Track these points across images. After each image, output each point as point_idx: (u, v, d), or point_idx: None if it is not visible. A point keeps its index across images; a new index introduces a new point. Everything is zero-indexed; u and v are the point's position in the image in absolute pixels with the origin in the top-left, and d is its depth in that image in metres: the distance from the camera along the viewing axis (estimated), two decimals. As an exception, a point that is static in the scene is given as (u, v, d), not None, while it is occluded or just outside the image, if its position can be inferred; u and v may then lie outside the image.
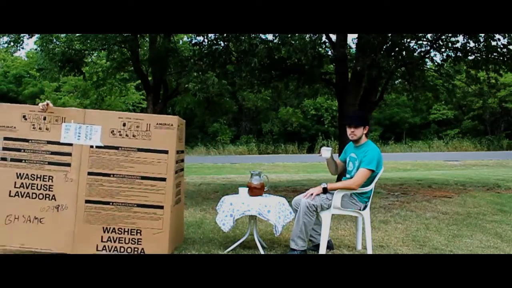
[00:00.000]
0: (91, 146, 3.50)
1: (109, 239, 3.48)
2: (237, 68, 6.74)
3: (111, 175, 3.48)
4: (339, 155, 4.24)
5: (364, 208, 3.78)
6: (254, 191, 3.80)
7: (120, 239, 3.49)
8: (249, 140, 25.23)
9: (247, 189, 3.83)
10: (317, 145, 23.91)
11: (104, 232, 3.49)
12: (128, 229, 3.48)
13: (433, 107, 24.40)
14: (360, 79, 7.10)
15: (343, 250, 4.04)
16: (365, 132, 3.82)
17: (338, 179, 6.78)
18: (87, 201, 3.49)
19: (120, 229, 3.48)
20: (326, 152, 3.90)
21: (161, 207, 3.49)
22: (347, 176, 3.88)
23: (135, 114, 3.63)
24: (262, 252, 3.80)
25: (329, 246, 3.89)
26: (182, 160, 3.96)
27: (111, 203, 3.48)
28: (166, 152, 3.50)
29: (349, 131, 3.83)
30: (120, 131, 3.51)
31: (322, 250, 3.70)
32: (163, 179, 3.49)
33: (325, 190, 3.69)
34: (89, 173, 3.49)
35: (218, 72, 6.29)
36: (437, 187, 8.30)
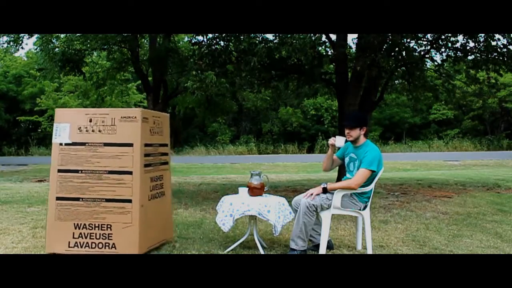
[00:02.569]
0: (60, 144, 3.55)
1: (80, 235, 3.51)
2: (237, 68, 6.74)
3: (80, 171, 3.52)
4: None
5: (364, 208, 3.78)
6: (254, 191, 3.80)
7: (91, 234, 3.51)
8: (249, 140, 25.23)
9: (247, 189, 3.83)
10: (317, 145, 23.93)
11: (76, 228, 3.51)
12: (99, 225, 3.50)
13: (433, 107, 24.43)
14: (360, 79, 7.10)
15: (343, 250, 4.04)
16: (362, 132, 3.81)
17: (338, 179, 6.79)
18: (58, 198, 3.52)
19: (90, 225, 3.50)
20: (340, 140, 3.81)
21: (129, 201, 3.48)
22: (348, 176, 3.87)
23: (100, 110, 3.65)
24: (262, 252, 3.80)
25: (329, 246, 3.89)
26: (165, 154, 3.96)
27: (80, 199, 3.51)
28: (131, 145, 3.50)
29: (345, 132, 3.84)
30: (87, 127, 3.55)
31: (322, 250, 3.70)
32: (130, 173, 3.49)
33: (325, 190, 3.69)
34: (59, 171, 3.54)
35: (217, 72, 6.29)
36: (437, 187, 8.30)
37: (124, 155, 3.49)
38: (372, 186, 3.75)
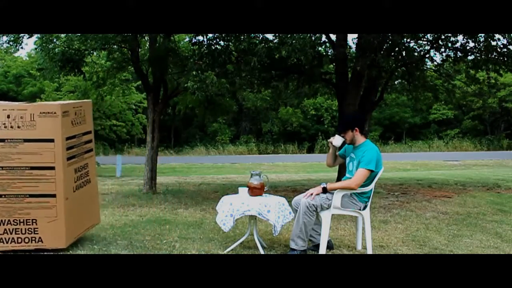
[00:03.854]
0: None
1: (5, 231, 3.50)
2: (237, 68, 6.74)
3: (1, 168, 3.49)
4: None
5: (364, 208, 3.78)
6: (254, 191, 3.80)
7: (17, 230, 3.50)
8: (249, 140, 25.24)
9: (247, 189, 3.83)
10: (317, 145, 23.94)
11: (0, 225, 3.50)
12: (23, 220, 3.50)
13: (433, 107, 24.42)
14: (360, 79, 7.10)
15: (343, 250, 4.04)
16: (356, 133, 3.83)
17: (338, 179, 6.79)
18: None
19: (15, 221, 3.50)
20: (338, 140, 3.88)
21: (53, 196, 3.50)
22: (348, 176, 3.88)
23: (18, 105, 3.62)
24: (262, 252, 3.80)
25: (329, 246, 3.89)
26: (89, 141, 3.97)
27: (3, 196, 3.50)
28: (52, 140, 3.49)
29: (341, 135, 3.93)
30: (5, 123, 3.51)
31: (322, 250, 3.70)
32: (52, 168, 3.49)
33: (324, 190, 3.69)
34: None
35: (217, 72, 6.29)
36: (437, 187, 8.30)
37: (46, 150, 3.49)
38: (372, 186, 3.75)
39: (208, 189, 8.40)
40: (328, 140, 4.00)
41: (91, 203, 4.05)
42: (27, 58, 25.78)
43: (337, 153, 4.09)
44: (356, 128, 3.82)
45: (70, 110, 3.67)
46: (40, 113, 3.50)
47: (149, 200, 6.70)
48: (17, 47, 7.84)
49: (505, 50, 7.07)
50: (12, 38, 7.57)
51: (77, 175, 3.73)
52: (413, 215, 5.58)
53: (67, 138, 3.59)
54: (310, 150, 24.01)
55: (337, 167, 7.51)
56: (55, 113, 3.50)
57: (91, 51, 7.83)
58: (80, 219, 3.80)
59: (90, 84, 10.45)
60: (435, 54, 8.04)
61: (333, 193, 3.68)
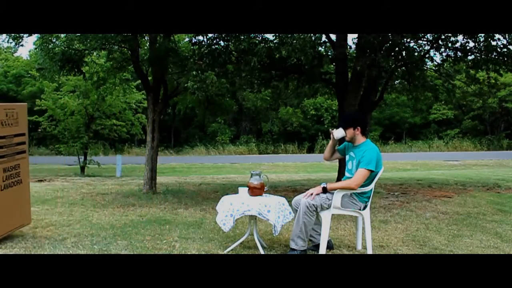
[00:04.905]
0: None
1: None
2: (237, 68, 6.73)
3: None
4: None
5: (364, 208, 3.78)
6: (254, 191, 3.80)
7: None
8: (249, 140, 25.25)
9: (247, 189, 3.83)
10: (317, 145, 23.96)
11: None
12: None
13: (433, 107, 24.46)
14: (360, 79, 7.10)
15: (343, 250, 4.04)
16: (357, 132, 3.82)
17: (338, 179, 6.79)
18: None
19: None
20: (340, 132, 3.89)
21: None
22: (347, 175, 3.88)
23: None
24: (262, 252, 3.80)
25: (329, 246, 3.89)
26: (22, 143, 4.04)
27: None
28: None
29: None
30: None
31: (322, 250, 3.70)
32: None
33: (324, 190, 3.69)
34: None
35: (217, 72, 6.28)
36: (437, 187, 8.30)
37: None
38: (372, 186, 3.75)
39: (208, 189, 8.40)
40: (330, 130, 4.00)
41: (21, 203, 4.12)
42: (29, 58, 25.79)
43: (336, 147, 4.10)
44: (358, 128, 3.82)
45: (0, 111, 3.72)
46: None
47: (149, 200, 6.70)
48: (17, 46, 7.86)
49: (505, 50, 7.07)
50: (12, 36, 7.57)
51: (6, 174, 3.81)
52: (413, 215, 5.58)
53: None
54: (310, 150, 24.02)
55: (337, 168, 7.51)
56: None
57: (91, 51, 7.82)
58: (6, 218, 3.87)
59: (90, 84, 10.44)
60: (435, 54, 8.04)
61: (333, 193, 3.68)
